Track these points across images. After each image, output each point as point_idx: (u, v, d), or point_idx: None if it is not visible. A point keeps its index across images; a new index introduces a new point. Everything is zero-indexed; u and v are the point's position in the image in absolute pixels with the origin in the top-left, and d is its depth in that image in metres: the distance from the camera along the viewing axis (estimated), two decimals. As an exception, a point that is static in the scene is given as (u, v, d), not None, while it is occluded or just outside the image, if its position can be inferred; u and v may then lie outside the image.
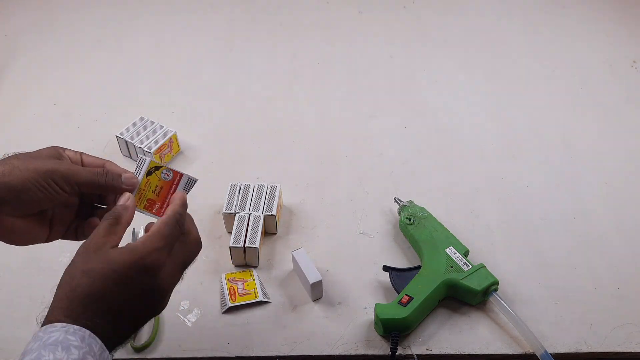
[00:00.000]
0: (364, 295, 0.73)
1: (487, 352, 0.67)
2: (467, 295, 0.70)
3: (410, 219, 0.77)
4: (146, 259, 0.48)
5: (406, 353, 0.67)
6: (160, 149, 0.87)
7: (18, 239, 0.54)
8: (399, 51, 1.13)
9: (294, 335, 0.69)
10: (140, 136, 0.88)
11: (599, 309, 0.71)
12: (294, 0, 1.26)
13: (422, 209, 0.79)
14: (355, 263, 0.77)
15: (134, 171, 0.56)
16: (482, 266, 0.71)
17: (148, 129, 0.90)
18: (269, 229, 0.79)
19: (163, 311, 0.65)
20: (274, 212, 0.77)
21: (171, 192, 0.57)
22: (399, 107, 1.01)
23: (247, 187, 0.81)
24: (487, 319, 0.70)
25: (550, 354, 0.64)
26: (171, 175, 0.58)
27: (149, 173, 0.56)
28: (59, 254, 0.78)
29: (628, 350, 0.67)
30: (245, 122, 0.98)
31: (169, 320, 0.70)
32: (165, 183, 0.57)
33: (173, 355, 0.67)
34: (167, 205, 0.56)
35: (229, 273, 0.74)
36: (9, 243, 0.54)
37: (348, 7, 1.24)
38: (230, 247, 0.74)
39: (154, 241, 0.49)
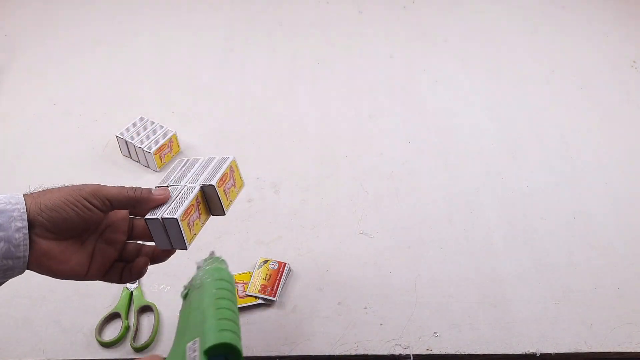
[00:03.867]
0: (364, 295, 0.73)
1: (487, 352, 0.67)
2: None
3: (186, 292, 0.55)
4: None
5: (405, 353, 0.67)
6: (160, 149, 0.87)
7: (55, 265, 0.52)
8: (399, 51, 1.13)
9: (294, 335, 0.69)
10: (140, 136, 0.88)
11: (599, 309, 0.71)
12: (294, 0, 1.26)
13: (212, 271, 0.54)
14: (355, 263, 0.77)
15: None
16: None
17: (148, 129, 0.90)
18: (213, 206, 0.60)
19: (163, 311, 0.65)
20: (213, 183, 0.58)
21: (279, 277, 0.73)
22: (399, 107, 1.01)
23: (194, 161, 0.64)
24: (488, 319, 0.70)
25: (551, 354, 0.64)
26: (277, 265, 0.74)
27: (260, 266, 0.74)
28: (59, 254, 0.78)
29: (628, 350, 0.67)
30: (245, 122, 0.98)
31: (169, 320, 0.70)
32: (273, 271, 0.74)
33: (173, 356, 0.67)
34: (277, 287, 0.72)
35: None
36: (46, 273, 0.52)
37: (348, 7, 1.25)
38: (145, 219, 0.56)
39: None
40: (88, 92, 1.05)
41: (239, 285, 0.73)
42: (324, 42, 1.16)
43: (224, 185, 0.60)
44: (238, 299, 0.71)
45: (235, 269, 0.76)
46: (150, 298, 0.72)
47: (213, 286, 0.51)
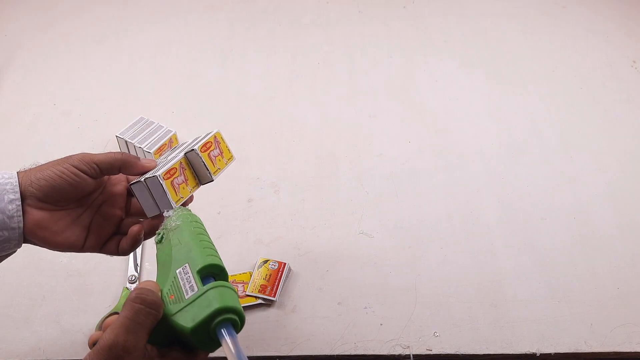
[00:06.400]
0: (364, 295, 0.73)
1: (487, 352, 0.67)
2: (188, 339, 0.45)
3: (160, 236, 0.54)
4: None
5: (405, 353, 0.67)
6: (160, 149, 0.87)
7: (49, 236, 0.53)
8: (399, 51, 1.13)
9: (294, 335, 0.69)
10: (140, 136, 0.88)
11: (599, 309, 0.71)
12: (294, 0, 1.26)
13: (185, 215, 0.55)
14: (355, 263, 0.77)
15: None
16: (219, 285, 0.46)
17: (148, 129, 0.90)
18: (200, 173, 0.61)
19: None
20: (195, 147, 0.59)
21: (279, 277, 0.73)
22: (399, 107, 1.01)
23: (184, 142, 0.66)
24: (488, 319, 0.70)
25: (551, 354, 0.64)
26: (277, 265, 0.75)
27: (260, 266, 0.75)
28: (59, 254, 0.78)
29: (628, 350, 0.67)
30: (245, 122, 0.98)
31: (169, 320, 0.70)
32: (273, 271, 0.74)
33: (173, 355, 0.67)
34: (277, 287, 0.72)
35: (229, 275, 0.74)
36: (42, 244, 0.53)
37: (348, 7, 1.24)
38: (130, 185, 0.58)
39: None
40: (88, 92, 1.05)
41: (239, 285, 0.73)
42: (324, 42, 1.16)
43: (208, 151, 0.61)
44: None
45: (235, 269, 0.76)
46: (150, 298, 0.72)
47: (190, 226, 0.53)
